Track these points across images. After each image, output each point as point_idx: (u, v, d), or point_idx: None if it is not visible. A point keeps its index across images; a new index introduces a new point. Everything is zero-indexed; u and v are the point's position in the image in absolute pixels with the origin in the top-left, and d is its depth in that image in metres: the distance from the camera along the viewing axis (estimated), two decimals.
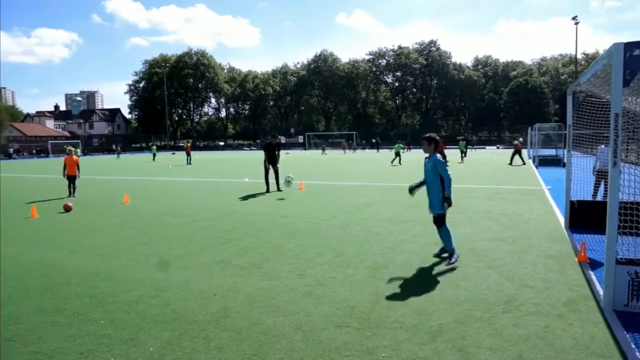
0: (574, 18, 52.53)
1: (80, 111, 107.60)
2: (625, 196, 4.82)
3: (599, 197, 9.52)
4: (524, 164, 26.47)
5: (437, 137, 6.42)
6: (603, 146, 9.38)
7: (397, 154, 30.71)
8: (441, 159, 6.27)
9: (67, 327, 4.34)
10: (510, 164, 26.47)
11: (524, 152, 28.96)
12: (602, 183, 9.60)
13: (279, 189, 14.76)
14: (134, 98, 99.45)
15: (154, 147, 45.94)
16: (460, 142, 34.42)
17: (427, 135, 6.44)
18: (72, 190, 14.69)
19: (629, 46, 4.11)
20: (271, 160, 14.91)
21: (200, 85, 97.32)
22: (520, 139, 29.67)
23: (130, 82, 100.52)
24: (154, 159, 41.45)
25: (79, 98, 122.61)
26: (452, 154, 34.04)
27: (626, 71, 4.14)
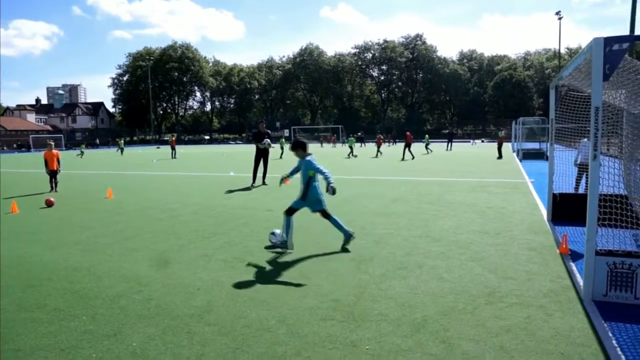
0: (557, 13, 53.08)
1: (63, 105, 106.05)
2: (604, 188, 4.89)
3: (581, 190, 9.65)
4: (500, 157, 27.02)
5: (303, 142, 6.85)
6: (586, 139, 9.47)
7: (351, 148, 32.09)
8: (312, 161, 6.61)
9: (48, 324, 4.29)
10: (500, 157, 27.04)
11: (506, 145, 29.51)
12: (584, 176, 9.74)
13: (264, 183, 14.70)
14: (117, 92, 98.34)
15: (122, 141, 47.01)
16: (425, 136, 36.95)
17: (294, 142, 6.90)
18: (54, 185, 14.43)
19: (609, 41, 4.16)
20: (263, 149, 14.69)
21: (185, 79, 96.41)
22: (503, 132, 30.29)
23: (114, 76, 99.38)
24: (121, 153, 42.69)
25: (61, 91, 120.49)
26: (428, 146, 34.21)
27: (606, 65, 4.19)
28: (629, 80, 5.30)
